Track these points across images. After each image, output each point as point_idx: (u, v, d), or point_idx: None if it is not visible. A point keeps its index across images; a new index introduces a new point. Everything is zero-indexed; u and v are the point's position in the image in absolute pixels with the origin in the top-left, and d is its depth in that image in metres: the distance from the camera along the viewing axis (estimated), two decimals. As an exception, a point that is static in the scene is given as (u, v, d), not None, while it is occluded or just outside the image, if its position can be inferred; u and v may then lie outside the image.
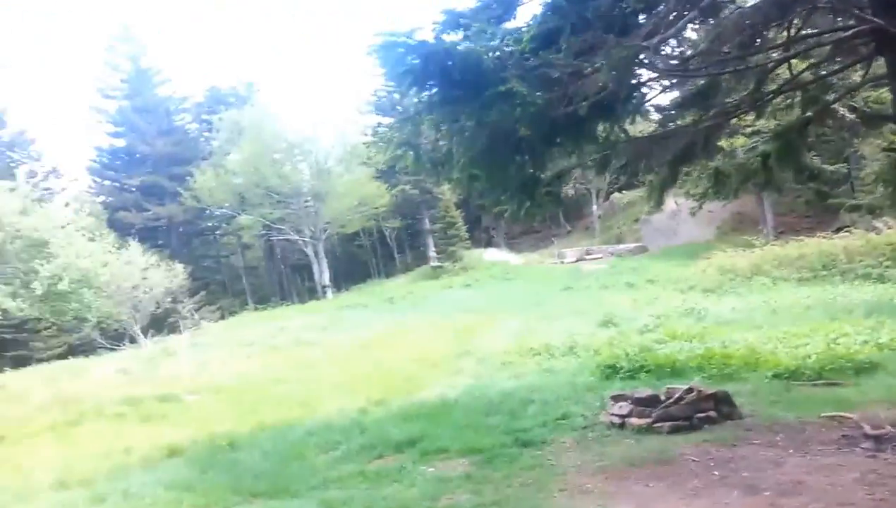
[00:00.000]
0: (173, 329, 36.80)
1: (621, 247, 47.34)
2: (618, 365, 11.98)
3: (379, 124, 55.29)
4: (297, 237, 49.74)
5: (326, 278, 49.68)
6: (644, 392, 9.45)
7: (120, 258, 36.71)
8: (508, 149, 7.19)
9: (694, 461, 7.03)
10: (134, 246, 38.35)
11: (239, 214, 50.09)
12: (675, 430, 8.51)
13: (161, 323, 37.35)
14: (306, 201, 49.19)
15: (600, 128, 8.26)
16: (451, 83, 6.10)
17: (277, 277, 61.99)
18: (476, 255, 48.27)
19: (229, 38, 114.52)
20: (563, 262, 45.29)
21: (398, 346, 19.92)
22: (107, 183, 58.37)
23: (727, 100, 9.88)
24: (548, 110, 6.28)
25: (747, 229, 42.90)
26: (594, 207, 53.66)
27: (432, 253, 52.45)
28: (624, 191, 51.93)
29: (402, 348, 19.39)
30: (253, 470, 9.26)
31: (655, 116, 11.97)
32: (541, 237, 59.84)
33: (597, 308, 22.76)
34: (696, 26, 8.87)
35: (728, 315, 17.37)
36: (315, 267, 50.29)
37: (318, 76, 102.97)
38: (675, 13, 6.76)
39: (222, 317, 43.37)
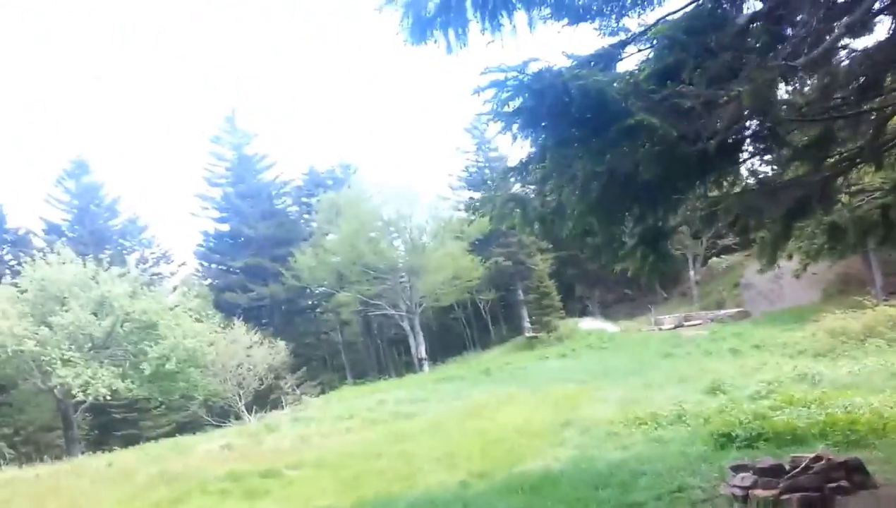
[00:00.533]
0: (276, 404, 37.22)
1: (721, 312, 45.51)
2: (733, 434, 11.14)
3: (471, 198, 55.85)
4: (393, 312, 49.96)
5: (423, 351, 49.53)
6: (766, 461, 8.68)
7: (225, 337, 37.60)
8: (627, 197, 6.64)
9: (837, 538, 6.28)
10: (238, 325, 39.26)
11: (338, 292, 50.89)
12: (805, 503, 7.72)
13: (264, 399, 37.82)
14: (401, 277, 49.58)
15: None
16: (568, 122, 5.46)
17: (375, 352, 62.34)
18: (571, 325, 47.32)
19: (327, 121, 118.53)
20: (660, 329, 43.88)
21: (497, 417, 19.32)
22: (213, 266, 60.65)
23: (841, 150, 9.29)
24: (677, 147, 5.74)
25: (854, 290, 40.60)
26: (691, 272, 52.04)
27: (527, 323, 51.81)
28: (723, 256, 50.42)
29: (502, 419, 18.78)
30: (356, 548, 8.91)
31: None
32: (636, 305, 58.33)
33: (701, 375, 21.66)
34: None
35: (845, 379, 16.15)
36: (411, 341, 50.27)
37: (411, 153, 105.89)
38: (808, 42, 6.24)
39: (323, 392, 43.71)
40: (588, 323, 48.67)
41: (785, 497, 7.87)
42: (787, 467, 8.40)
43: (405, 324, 50.08)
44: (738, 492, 8.30)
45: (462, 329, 60.58)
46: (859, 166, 9.88)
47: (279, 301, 56.99)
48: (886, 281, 36.28)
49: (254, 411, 34.07)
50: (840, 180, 9.80)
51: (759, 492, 8.09)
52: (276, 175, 62.75)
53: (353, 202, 49.27)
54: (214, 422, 33.76)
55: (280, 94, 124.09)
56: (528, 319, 51.72)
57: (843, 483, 7.92)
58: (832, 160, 9.23)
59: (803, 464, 8.22)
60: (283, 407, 35.27)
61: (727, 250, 50.48)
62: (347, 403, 29.40)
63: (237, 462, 17.10)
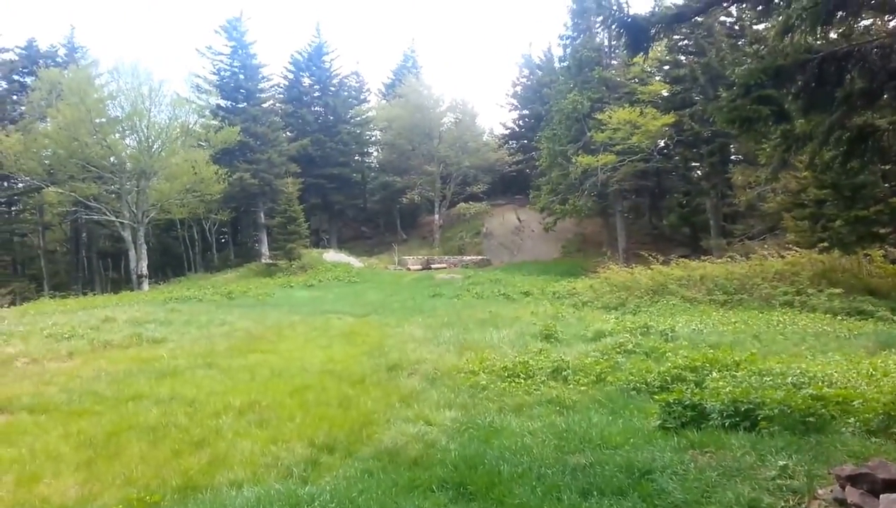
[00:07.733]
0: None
1: (466, 258, 43.83)
2: (702, 405, 7.55)
3: (218, 106, 48.43)
4: (113, 218, 41.47)
5: (144, 267, 41.81)
6: (886, 466, 5.12)
7: None
8: None
9: None
10: None
11: (47, 186, 40.82)
12: None
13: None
14: (130, 179, 41.06)
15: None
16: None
17: (81, 263, 52.62)
18: (315, 255, 42.74)
19: None
20: (408, 269, 40.87)
21: (284, 353, 14.34)
22: None
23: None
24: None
25: (591, 250, 40.84)
26: (436, 216, 49.70)
27: (265, 249, 46.16)
28: (471, 202, 48.68)
29: (293, 355, 13.86)
30: None
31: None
32: (373, 243, 55.24)
33: (501, 320, 18.44)
34: None
35: (707, 337, 13.57)
36: (131, 254, 42.14)
37: (155, 41, 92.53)
38: None
39: (13, 303, 34.55)
40: (332, 256, 44.33)
41: None
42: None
43: (126, 235, 41.78)
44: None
45: (183, 249, 53.35)
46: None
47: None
48: (628, 244, 36.30)
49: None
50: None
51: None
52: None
53: (81, 85, 39.43)
54: None
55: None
56: (267, 244, 46.04)
57: None
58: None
59: None
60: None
61: (474, 197, 48.98)
62: (56, 319, 21.78)
63: None
